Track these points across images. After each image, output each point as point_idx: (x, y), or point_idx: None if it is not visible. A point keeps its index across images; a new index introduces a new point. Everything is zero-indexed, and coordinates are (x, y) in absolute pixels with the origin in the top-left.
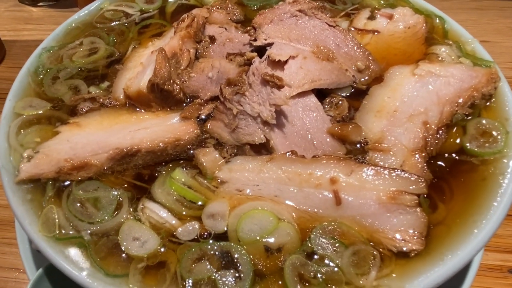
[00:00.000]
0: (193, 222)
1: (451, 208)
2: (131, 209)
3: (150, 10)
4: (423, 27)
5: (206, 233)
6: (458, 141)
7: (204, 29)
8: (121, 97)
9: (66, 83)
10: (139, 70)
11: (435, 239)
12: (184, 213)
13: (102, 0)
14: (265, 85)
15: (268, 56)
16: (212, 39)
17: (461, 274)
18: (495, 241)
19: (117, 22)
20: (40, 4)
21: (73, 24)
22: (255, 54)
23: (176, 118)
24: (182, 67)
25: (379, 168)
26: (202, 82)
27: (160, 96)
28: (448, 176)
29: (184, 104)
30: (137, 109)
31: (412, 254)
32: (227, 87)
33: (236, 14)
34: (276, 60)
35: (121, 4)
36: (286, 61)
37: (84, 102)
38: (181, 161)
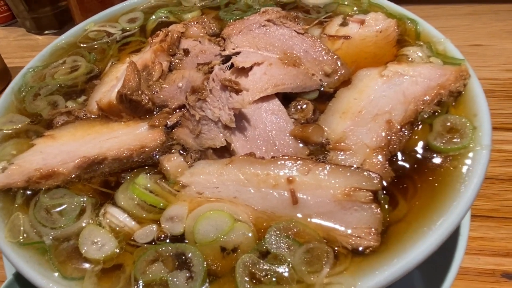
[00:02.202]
0: (151, 225)
1: (414, 205)
2: (93, 215)
3: (132, 28)
4: (395, 30)
5: (163, 236)
6: (423, 139)
7: (180, 43)
8: (95, 110)
9: (46, 99)
10: (114, 83)
11: (393, 236)
12: (144, 216)
13: (87, 22)
14: (224, 91)
15: (233, 64)
16: (186, 52)
17: (438, 278)
18: (487, 245)
19: (99, 41)
20: (46, 32)
21: (58, 45)
22: (217, 61)
23: (144, 126)
24: (154, 79)
25: (334, 166)
26: (172, 92)
27: (129, 106)
28: (412, 173)
29: (155, 113)
30: (111, 120)
31: (367, 251)
32: (191, 94)
33: (212, 28)
34: (240, 67)
35: (105, 24)
36: (251, 68)
37: (61, 116)
38: (147, 168)
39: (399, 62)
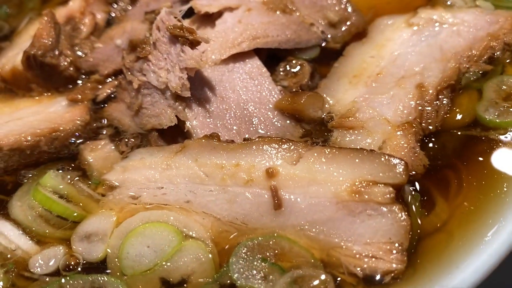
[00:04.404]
0: (56, 247)
1: (457, 206)
2: None
3: None
4: None
5: (73, 262)
6: (469, 109)
7: None
8: None
9: None
10: (27, 45)
11: (426, 254)
12: (47, 233)
13: None
14: (174, 44)
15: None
16: None
17: None
18: None
19: None
20: None
21: None
22: (167, 3)
23: (62, 102)
24: (83, 36)
25: (336, 149)
26: (107, 53)
27: (41, 74)
28: (455, 160)
29: (80, 83)
30: (16, 96)
31: (388, 279)
32: (130, 53)
33: None
34: (203, 13)
35: None
36: (220, 15)
37: None
38: (60, 161)
39: (433, 6)
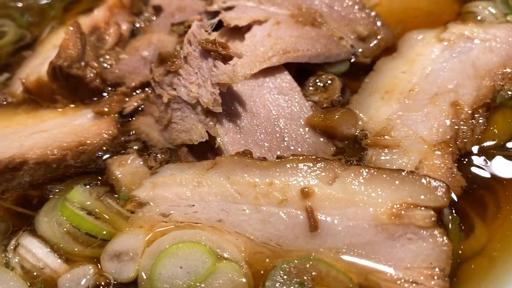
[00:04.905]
0: (86, 266)
1: (496, 229)
2: (1, 248)
3: None
4: None
5: (103, 283)
6: (506, 129)
7: None
8: (19, 92)
9: None
10: (50, 54)
11: (468, 280)
12: (76, 251)
13: None
14: (205, 58)
15: (222, 23)
16: (158, 9)
17: None
18: None
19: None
20: None
21: None
22: (197, 17)
23: (88, 115)
24: (108, 46)
25: (375, 170)
26: (133, 64)
27: (66, 85)
28: (493, 181)
29: (105, 95)
30: (41, 107)
31: None
32: (159, 66)
33: None
34: (233, 26)
35: None
36: (249, 28)
37: None
38: (87, 176)
39: (463, 21)
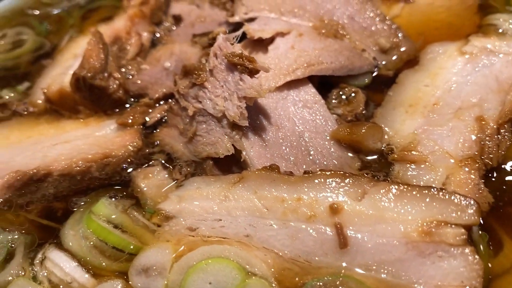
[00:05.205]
0: (114, 281)
1: None
2: (26, 262)
3: None
4: None
5: None
6: None
7: (169, 7)
8: (41, 101)
9: None
10: (70, 64)
11: None
12: (104, 266)
13: None
14: (231, 71)
15: (245, 35)
16: (178, 19)
17: None
18: None
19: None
20: None
21: None
22: (222, 29)
23: (111, 126)
24: (129, 56)
25: (404, 187)
26: (155, 75)
27: (89, 96)
28: None
29: (128, 107)
30: (62, 117)
31: None
32: (183, 78)
33: None
34: (256, 38)
35: None
36: (272, 40)
37: None
38: (112, 188)
39: (485, 34)
